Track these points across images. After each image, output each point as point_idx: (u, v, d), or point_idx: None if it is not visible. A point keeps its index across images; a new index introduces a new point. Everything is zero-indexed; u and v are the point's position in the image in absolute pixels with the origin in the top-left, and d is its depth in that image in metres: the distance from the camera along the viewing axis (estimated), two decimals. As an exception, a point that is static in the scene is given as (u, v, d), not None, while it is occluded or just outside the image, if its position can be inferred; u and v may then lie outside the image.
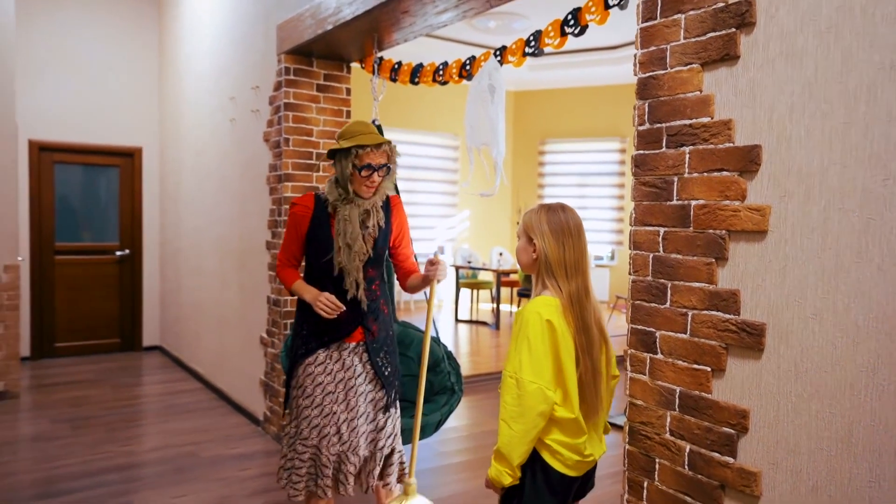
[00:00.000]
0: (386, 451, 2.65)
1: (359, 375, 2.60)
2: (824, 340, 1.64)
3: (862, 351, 1.56)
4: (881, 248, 1.52)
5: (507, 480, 1.87)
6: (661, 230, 2.02)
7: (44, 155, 6.56)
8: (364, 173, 2.46)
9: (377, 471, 2.63)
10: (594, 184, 9.71)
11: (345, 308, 2.51)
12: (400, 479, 2.68)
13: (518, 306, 9.69)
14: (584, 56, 8.26)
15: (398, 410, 2.72)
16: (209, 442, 4.40)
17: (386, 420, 2.65)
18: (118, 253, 7.11)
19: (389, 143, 2.55)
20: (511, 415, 1.86)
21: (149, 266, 7.25)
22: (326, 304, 2.46)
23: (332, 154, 2.54)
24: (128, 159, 7.08)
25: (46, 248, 6.66)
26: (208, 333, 5.85)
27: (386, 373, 2.64)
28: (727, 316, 1.84)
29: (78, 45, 6.67)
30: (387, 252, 2.70)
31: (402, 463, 2.70)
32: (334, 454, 2.57)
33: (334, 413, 2.57)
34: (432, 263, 2.53)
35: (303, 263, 2.73)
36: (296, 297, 2.68)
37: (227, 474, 3.84)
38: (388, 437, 2.65)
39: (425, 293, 2.71)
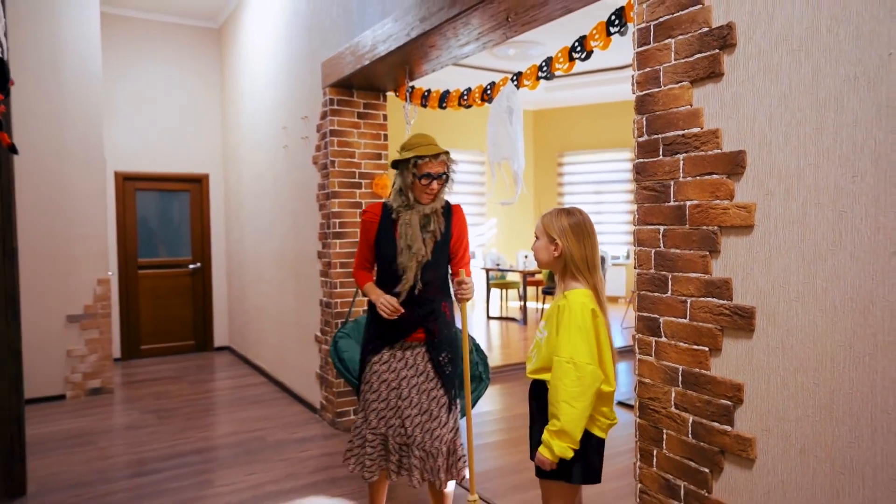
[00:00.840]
0: (444, 447, 2.48)
1: (421, 373, 2.50)
2: (806, 320, 1.63)
3: (839, 328, 1.55)
4: (853, 237, 1.51)
5: (571, 454, 1.87)
6: (661, 228, 2.00)
7: (127, 183, 6.66)
8: (424, 181, 2.40)
9: (436, 467, 2.47)
10: (608, 191, 9.62)
11: (403, 310, 2.42)
12: (459, 479, 2.54)
13: (543, 303, 9.64)
14: (595, 76, 8.19)
15: (459, 408, 2.59)
16: (274, 428, 4.42)
17: (447, 417, 2.51)
18: (191, 266, 7.15)
19: (447, 153, 2.47)
20: (573, 395, 1.86)
21: (217, 276, 7.26)
22: (386, 305, 2.39)
23: (396, 164, 2.48)
24: (196, 185, 7.13)
25: (131, 263, 6.73)
26: (270, 334, 5.84)
27: (446, 372, 2.51)
28: (721, 301, 1.82)
29: (153, 89, 6.74)
30: (447, 256, 2.56)
31: (460, 459, 2.53)
32: (400, 444, 2.50)
33: (398, 407, 2.49)
34: (459, 284, 2.49)
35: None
36: (350, 299, 2.63)
37: (290, 455, 3.87)
38: (450, 432, 2.51)
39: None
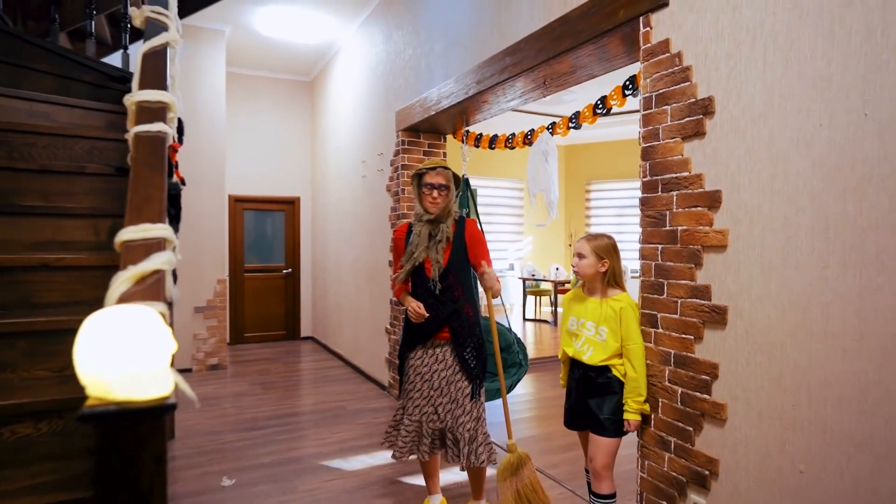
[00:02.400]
0: (469, 434, 2.39)
1: (449, 367, 2.43)
2: (764, 315, 1.80)
3: (787, 321, 1.74)
4: (796, 255, 1.71)
5: (649, 409, 2.17)
6: (660, 246, 2.16)
7: (237, 204, 6.97)
8: (426, 191, 2.38)
9: (466, 451, 2.37)
10: (628, 214, 9.65)
11: (427, 315, 2.38)
12: (490, 460, 2.42)
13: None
14: (616, 118, 8.30)
15: (482, 398, 2.48)
16: (351, 399, 4.67)
17: (470, 406, 2.41)
18: (284, 271, 7.33)
19: (445, 166, 2.42)
20: (644, 369, 2.16)
21: (304, 279, 7.39)
22: (412, 311, 2.38)
23: (412, 181, 2.48)
24: (290, 206, 7.34)
25: (239, 268, 7.03)
26: (347, 326, 6.02)
27: (471, 365, 2.42)
28: (703, 302, 1.99)
29: (259, 129, 7.02)
30: (465, 262, 2.48)
31: (488, 444, 2.43)
32: (434, 429, 2.44)
33: (430, 396, 2.44)
34: (481, 275, 2.43)
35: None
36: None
37: (365, 420, 4.13)
38: (472, 420, 2.41)
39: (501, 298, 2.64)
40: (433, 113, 3.96)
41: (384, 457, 3.41)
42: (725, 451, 1.94)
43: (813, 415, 1.68)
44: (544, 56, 2.82)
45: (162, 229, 1.13)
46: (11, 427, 1.55)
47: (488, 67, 3.31)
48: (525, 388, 5.09)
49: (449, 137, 4.68)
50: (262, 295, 7.25)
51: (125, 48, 3.42)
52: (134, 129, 1.40)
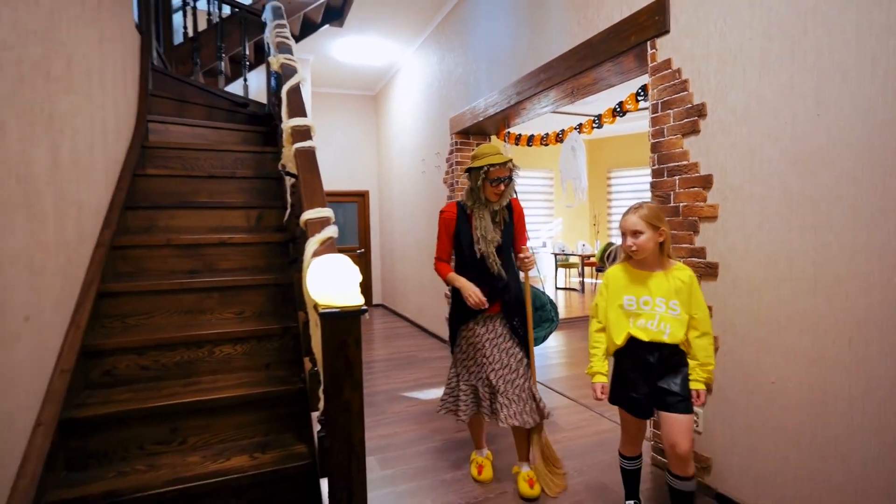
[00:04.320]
0: (524, 394, 2.22)
1: (500, 336, 2.27)
2: (745, 268, 2.02)
3: (762, 272, 1.96)
4: (770, 222, 1.92)
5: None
6: (666, 219, 2.34)
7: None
8: (494, 185, 2.17)
9: (520, 411, 2.20)
10: (644, 198, 9.64)
11: (488, 305, 2.21)
12: (545, 417, 2.25)
13: (595, 279, 9.87)
14: (633, 115, 8.36)
15: (530, 360, 2.30)
16: (420, 350, 4.98)
17: (524, 370, 2.25)
18: (358, 251, 7.58)
19: (511, 160, 2.23)
20: (711, 337, 1.81)
21: (374, 257, 7.62)
22: (473, 298, 2.17)
23: (469, 170, 2.24)
24: (360, 197, 7.59)
25: None
26: (412, 294, 6.25)
27: (521, 333, 2.29)
28: (700, 259, 2.18)
29: (334, 135, 7.37)
30: (512, 240, 2.32)
31: (541, 407, 2.25)
32: (488, 392, 2.26)
33: (483, 364, 2.26)
34: (525, 258, 2.23)
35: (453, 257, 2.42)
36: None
37: (433, 365, 4.45)
38: (526, 381, 2.24)
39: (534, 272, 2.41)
40: (481, 119, 4.22)
41: (450, 389, 3.79)
42: (718, 371, 2.17)
43: (780, 340, 1.92)
44: (571, 72, 3.07)
45: (327, 211, 1.52)
46: (219, 347, 2.00)
47: (526, 82, 3.57)
48: (556, 341, 5.33)
49: (493, 137, 4.86)
50: (342, 270, 7.61)
51: (245, 79, 3.86)
52: (295, 146, 1.80)
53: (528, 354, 2.30)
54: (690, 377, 1.80)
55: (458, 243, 2.29)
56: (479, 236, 2.23)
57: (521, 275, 2.34)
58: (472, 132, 4.69)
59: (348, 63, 6.36)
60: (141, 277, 2.26)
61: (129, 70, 2.74)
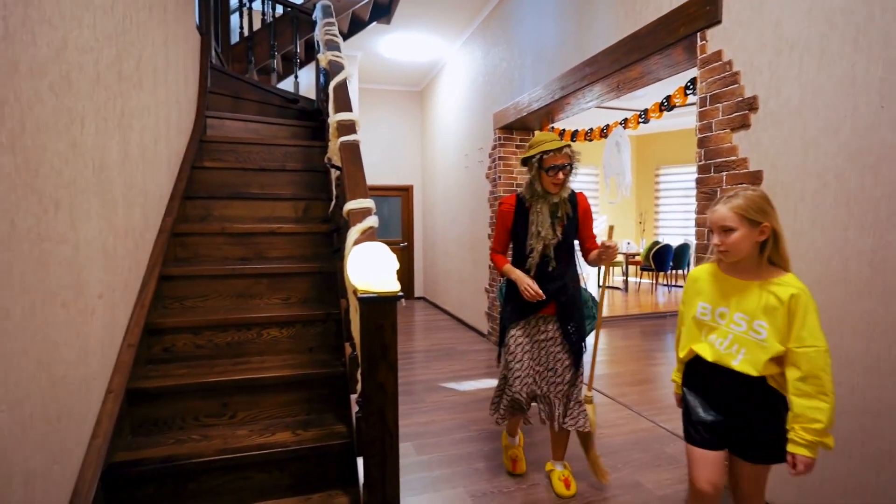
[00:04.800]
0: (564, 398, 2.12)
1: (551, 339, 2.12)
2: (795, 269, 1.87)
3: (813, 272, 1.86)
4: (823, 220, 1.83)
5: (832, 443, 1.28)
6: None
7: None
8: (550, 174, 2.00)
9: (555, 413, 2.13)
10: (693, 195, 9.34)
11: (544, 297, 2.06)
12: (582, 426, 2.13)
13: (640, 278, 9.61)
14: (681, 110, 8.05)
15: (581, 368, 2.16)
16: (458, 343, 5.01)
17: (570, 375, 2.11)
18: (401, 244, 7.63)
19: (569, 145, 2.02)
20: (831, 386, 1.27)
21: (417, 250, 7.68)
22: (529, 290, 2.04)
23: (525, 161, 2.09)
24: (404, 192, 7.66)
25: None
26: (453, 287, 6.27)
27: (573, 339, 2.10)
28: None
29: (380, 130, 7.48)
30: (574, 238, 2.15)
31: (582, 411, 2.14)
32: (531, 396, 2.16)
33: (532, 367, 2.13)
34: (606, 248, 1.97)
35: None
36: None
37: (471, 357, 4.48)
38: (568, 385, 2.12)
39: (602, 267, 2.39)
40: (525, 114, 4.20)
41: (488, 382, 3.82)
42: None
43: (831, 344, 1.81)
44: (618, 66, 3.01)
45: (368, 202, 1.58)
46: (267, 330, 2.12)
47: (570, 76, 3.53)
48: (598, 338, 5.26)
49: (536, 132, 4.74)
50: (385, 263, 7.76)
51: (296, 76, 4.01)
52: (340, 140, 1.87)
53: (578, 362, 2.12)
54: (789, 435, 1.30)
55: (515, 237, 2.17)
56: (536, 231, 2.08)
57: (582, 272, 2.21)
58: (516, 127, 4.68)
59: (394, 59, 6.46)
60: (197, 263, 2.41)
61: (189, 69, 2.92)
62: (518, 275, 2.11)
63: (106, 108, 1.65)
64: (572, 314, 2.13)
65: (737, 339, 1.38)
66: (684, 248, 8.56)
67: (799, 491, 1.97)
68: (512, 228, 2.18)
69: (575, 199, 2.15)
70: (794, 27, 1.96)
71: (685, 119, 8.84)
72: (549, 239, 2.07)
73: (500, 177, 4.74)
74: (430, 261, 7.43)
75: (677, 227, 9.61)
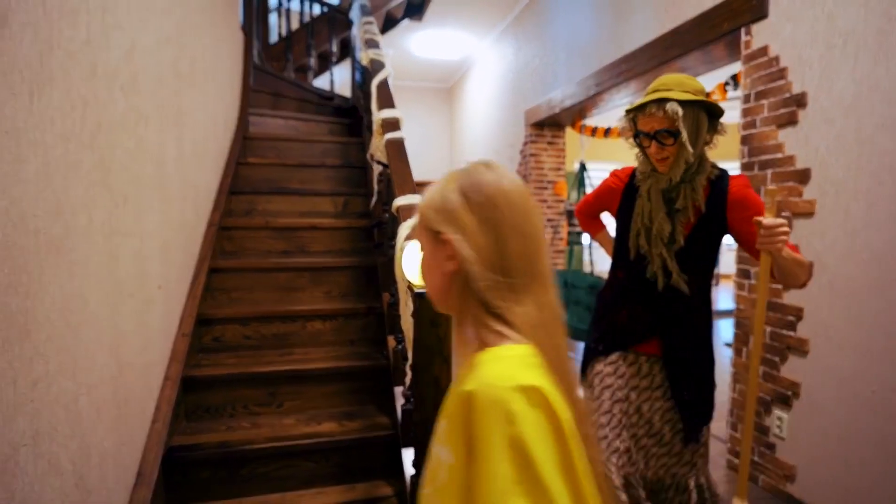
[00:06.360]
0: (681, 481, 1.35)
1: (657, 387, 1.33)
2: (845, 269, 1.86)
3: (867, 273, 1.80)
4: (877, 220, 1.78)
5: None
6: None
7: None
8: (644, 143, 1.29)
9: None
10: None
11: (639, 306, 1.35)
12: None
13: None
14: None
15: (707, 438, 1.37)
16: None
17: (684, 449, 1.34)
18: None
19: (665, 98, 1.21)
20: None
21: None
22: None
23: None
24: None
25: None
26: None
27: (685, 397, 1.32)
28: None
29: (409, 125, 7.58)
30: (715, 247, 1.34)
31: (701, 492, 1.35)
32: (622, 475, 1.31)
33: (625, 425, 1.33)
34: (765, 228, 1.15)
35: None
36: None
37: None
38: (685, 466, 1.35)
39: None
40: (557, 111, 4.17)
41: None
42: (807, 376, 2.05)
43: (886, 347, 1.77)
44: (655, 62, 2.96)
45: (417, 198, 1.60)
46: (311, 323, 2.16)
47: (606, 73, 3.48)
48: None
49: (568, 129, 4.79)
50: (412, 258, 7.84)
51: (332, 74, 4.06)
52: (386, 137, 1.89)
53: (698, 430, 1.33)
54: None
55: (617, 227, 1.46)
56: (641, 226, 1.34)
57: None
58: (547, 124, 4.65)
59: (424, 57, 6.48)
60: (242, 256, 2.47)
61: (235, 68, 2.99)
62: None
63: (165, 106, 1.71)
64: (689, 361, 1.32)
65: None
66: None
67: (846, 495, 1.91)
68: (616, 213, 1.46)
69: (723, 186, 1.29)
70: (848, 20, 1.90)
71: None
72: (669, 239, 1.30)
73: (531, 174, 4.73)
74: (458, 256, 7.45)
75: (707, 225, 9.33)
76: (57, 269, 1.04)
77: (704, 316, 1.37)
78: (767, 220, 1.14)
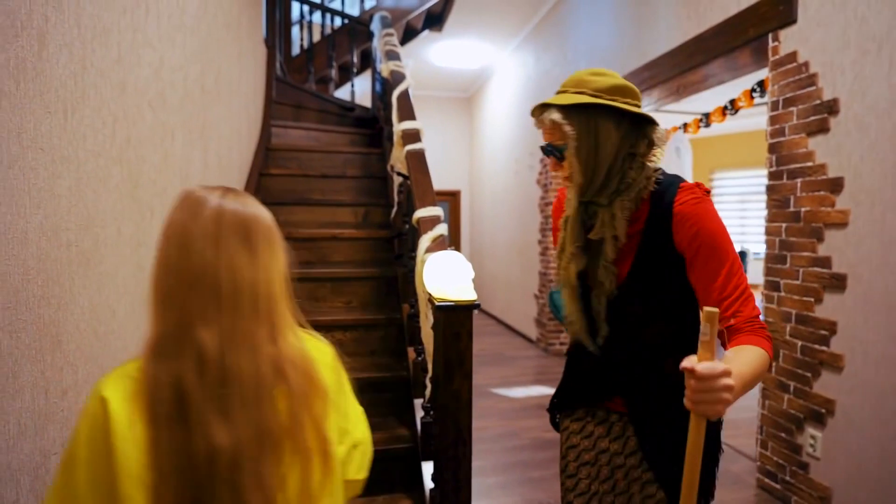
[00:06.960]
0: None
1: (631, 453, 1.04)
2: (882, 281, 1.81)
3: (881, 286, 1.81)
4: None
5: None
6: (784, 225, 2.19)
7: None
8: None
9: None
10: (752, 201, 8.90)
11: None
12: None
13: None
14: (741, 111, 7.71)
15: None
16: (507, 349, 5.00)
17: None
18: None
19: (543, 107, 0.97)
20: None
21: (464, 255, 7.70)
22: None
23: None
24: (452, 197, 7.66)
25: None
26: (500, 292, 6.25)
27: (658, 460, 1.00)
28: (823, 270, 2.02)
29: (428, 135, 7.65)
30: (667, 281, 0.97)
31: None
32: None
33: (594, 493, 1.06)
34: (696, 378, 0.72)
35: None
36: None
37: (519, 364, 4.47)
38: None
39: None
40: (577, 119, 4.16)
41: (538, 390, 3.79)
42: (842, 394, 1.98)
43: None
44: (679, 70, 2.92)
45: (437, 210, 1.60)
46: (332, 333, 2.17)
47: (628, 80, 3.45)
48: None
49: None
50: (431, 267, 7.84)
51: (352, 86, 4.11)
52: (406, 148, 1.90)
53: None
54: None
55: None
56: (563, 254, 1.08)
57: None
58: (567, 132, 4.61)
59: (444, 67, 6.52)
60: (265, 266, 2.50)
61: (258, 80, 3.05)
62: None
63: (191, 121, 1.75)
64: (662, 419, 0.99)
65: None
66: (741, 255, 8.18)
67: (886, 519, 1.83)
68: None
69: (668, 204, 0.96)
70: (882, 24, 1.84)
71: (742, 121, 8.43)
72: (575, 273, 1.04)
73: (550, 182, 4.71)
74: (477, 265, 7.34)
75: (733, 234, 9.18)
76: (87, 281, 1.07)
77: (667, 361, 0.96)
78: (702, 365, 0.72)
